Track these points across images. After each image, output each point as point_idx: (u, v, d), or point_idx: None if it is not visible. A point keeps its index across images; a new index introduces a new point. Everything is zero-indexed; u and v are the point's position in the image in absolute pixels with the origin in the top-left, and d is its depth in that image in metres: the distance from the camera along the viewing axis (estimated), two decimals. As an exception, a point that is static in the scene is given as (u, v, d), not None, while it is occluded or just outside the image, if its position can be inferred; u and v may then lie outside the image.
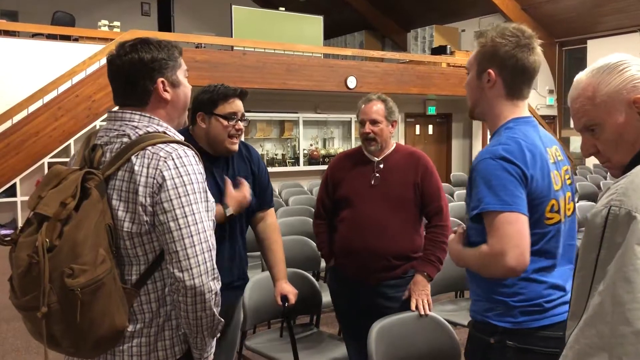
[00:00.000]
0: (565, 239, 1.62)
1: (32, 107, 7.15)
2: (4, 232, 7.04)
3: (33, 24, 8.08)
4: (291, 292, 2.40)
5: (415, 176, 2.54)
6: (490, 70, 1.60)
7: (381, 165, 2.59)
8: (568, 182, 1.67)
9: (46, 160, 7.19)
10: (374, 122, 2.57)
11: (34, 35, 8.11)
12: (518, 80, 1.60)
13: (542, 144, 1.59)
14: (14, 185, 7.11)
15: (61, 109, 7.26)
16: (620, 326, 0.85)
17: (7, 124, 7.05)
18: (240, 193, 2.24)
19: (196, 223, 1.39)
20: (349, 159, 2.71)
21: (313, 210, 5.59)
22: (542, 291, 1.56)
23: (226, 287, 2.22)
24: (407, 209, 2.54)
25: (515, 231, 1.42)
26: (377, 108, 2.59)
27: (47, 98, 7.24)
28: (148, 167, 1.39)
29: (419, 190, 2.54)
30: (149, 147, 1.42)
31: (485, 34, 1.63)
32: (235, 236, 2.30)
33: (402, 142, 11.49)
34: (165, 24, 11.82)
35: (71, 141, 7.28)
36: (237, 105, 2.25)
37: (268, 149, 10.04)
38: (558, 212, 1.57)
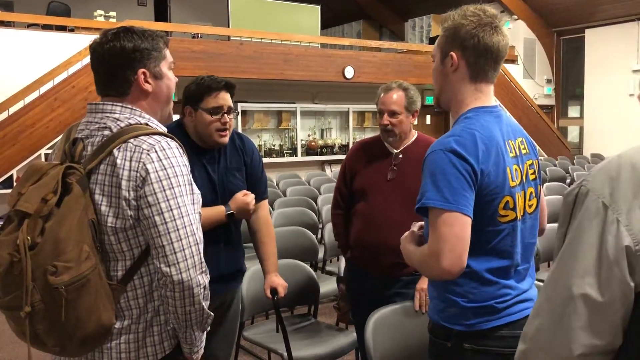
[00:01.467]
0: (525, 237, 1.56)
1: (29, 99, 7.11)
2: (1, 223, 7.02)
3: (28, 14, 8.01)
4: (281, 284, 2.38)
5: None
6: (453, 53, 1.53)
7: (400, 157, 2.51)
8: (532, 177, 1.59)
9: (43, 151, 7.16)
10: (393, 114, 2.45)
11: (30, 26, 8.04)
12: (481, 61, 1.52)
13: (501, 137, 1.51)
14: (11, 177, 7.08)
15: (57, 100, 7.22)
16: (559, 291, 0.93)
17: (3, 115, 7.02)
18: (245, 199, 2.23)
19: (182, 216, 1.36)
20: (367, 149, 2.61)
21: (311, 201, 5.62)
22: (494, 292, 1.50)
23: (222, 278, 2.23)
24: None
25: (452, 234, 1.37)
26: (396, 98, 2.45)
27: (44, 89, 7.19)
28: (131, 160, 1.35)
29: None
30: (131, 140, 1.38)
31: (448, 17, 1.56)
32: (230, 227, 2.29)
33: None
34: (161, 14, 11.76)
35: (68, 132, 7.25)
36: (223, 98, 2.19)
37: (265, 139, 10.01)
38: (514, 209, 1.49)
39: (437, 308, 1.58)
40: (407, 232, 1.63)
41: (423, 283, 2.37)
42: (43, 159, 7.08)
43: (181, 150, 1.44)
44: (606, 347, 0.89)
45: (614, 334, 0.88)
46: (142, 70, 1.45)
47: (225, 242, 2.27)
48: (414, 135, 2.57)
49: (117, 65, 1.43)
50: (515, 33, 11.99)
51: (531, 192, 1.58)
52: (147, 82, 1.47)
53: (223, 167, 2.26)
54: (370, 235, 2.48)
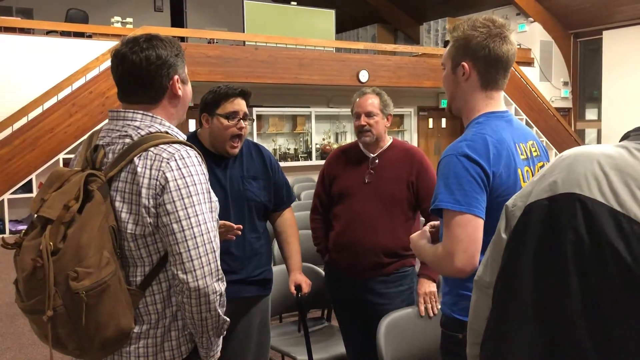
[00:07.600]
0: None
1: (47, 104, 7.22)
2: (20, 227, 7.13)
3: (47, 21, 8.14)
4: (304, 281, 2.44)
5: (410, 174, 2.53)
6: (464, 63, 1.58)
7: (376, 161, 2.59)
8: None
9: (61, 156, 7.27)
10: (370, 115, 2.58)
11: (49, 33, 8.17)
12: (492, 71, 1.58)
13: (512, 140, 1.58)
14: (30, 181, 7.19)
15: (75, 106, 7.32)
16: None
17: (23, 121, 7.13)
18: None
19: (199, 224, 1.38)
20: (345, 155, 2.72)
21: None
22: None
23: (246, 283, 2.27)
24: (399, 207, 2.53)
25: (465, 235, 1.44)
26: (372, 101, 2.61)
27: (62, 95, 7.30)
28: (151, 169, 1.38)
29: (413, 188, 2.53)
30: (152, 148, 1.40)
31: (457, 27, 1.61)
32: (258, 233, 2.35)
33: (414, 136, 11.42)
34: (177, 20, 11.86)
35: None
36: (239, 104, 2.27)
37: (280, 143, 10.05)
38: None
39: (450, 302, 1.65)
40: (419, 231, 1.69)
41: (424, 287, 2.41)
42: (61, 164, 7.18)
43: (200, 159, 1.46)
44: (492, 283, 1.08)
45: (495, 274, 1.06)
46: (176, 76, 1.49)
47: (252, 248, 2.30)
48: (389, 140, 2.68)
49: (154, 73, 1.45)
50: (532, 35, 11.90)
51: None
52: (179, 87, 1.51)
53: (238, 174, 2.31)
54: (349, 236, 2.56)
